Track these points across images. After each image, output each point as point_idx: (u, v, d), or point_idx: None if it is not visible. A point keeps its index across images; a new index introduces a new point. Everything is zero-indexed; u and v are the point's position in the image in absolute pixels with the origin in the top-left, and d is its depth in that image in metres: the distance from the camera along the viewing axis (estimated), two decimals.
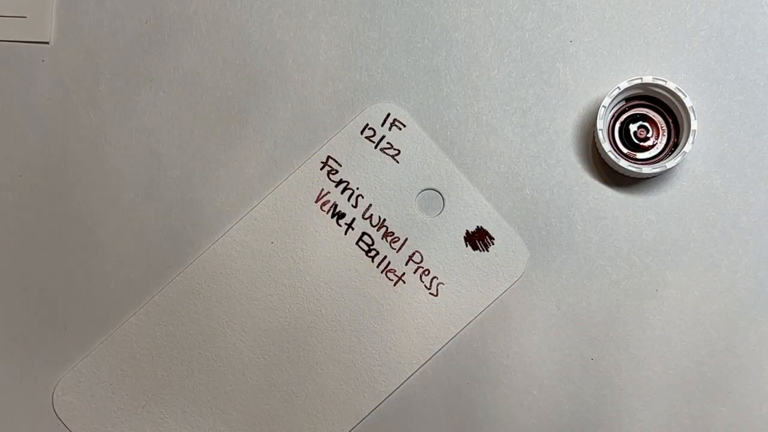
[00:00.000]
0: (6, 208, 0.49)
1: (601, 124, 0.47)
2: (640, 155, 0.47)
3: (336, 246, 0.49)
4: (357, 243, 0.48)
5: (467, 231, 0.48)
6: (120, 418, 0.48)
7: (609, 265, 0.48)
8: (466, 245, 0.48)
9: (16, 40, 0.50)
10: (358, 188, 0.49)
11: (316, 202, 0.49)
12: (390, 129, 0.49)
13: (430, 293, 0.48)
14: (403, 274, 0.48)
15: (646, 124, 0.47)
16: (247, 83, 0.49)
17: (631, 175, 0.47)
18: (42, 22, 0.50)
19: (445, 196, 0.48)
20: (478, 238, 0.48)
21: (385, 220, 0.49)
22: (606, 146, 0.47)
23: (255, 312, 0.48)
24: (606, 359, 0.48)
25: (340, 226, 0.49)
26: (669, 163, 0.46)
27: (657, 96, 0.47)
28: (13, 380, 0.49)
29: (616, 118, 0.48)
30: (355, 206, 0.49)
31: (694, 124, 0.46)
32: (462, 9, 0.49)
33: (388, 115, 0.49)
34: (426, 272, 0.48)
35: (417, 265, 0.48)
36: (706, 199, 0.48)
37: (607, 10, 0.49)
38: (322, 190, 0.49)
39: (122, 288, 0.49)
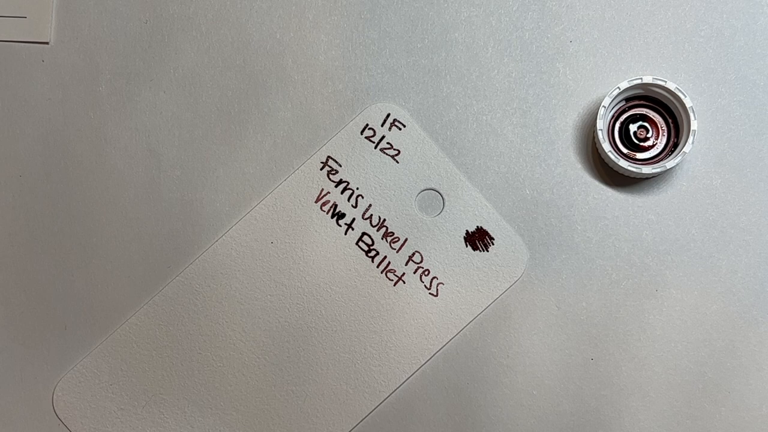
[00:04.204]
0: (6, 208, 0.49)
1: (601, 124, 0.47)
2: (640, 155, 0.47)
3: (336, 246, 0.49)
4: (357, 243, 0.48)
5: (467, 231, 0.48)
6: (120, 418, 0.48)
7: (609, 265, 0.48)
8: (466, 245, 0.48)
9: (16, 40, 0.50)
10: (358, 188, 0.49)
11: (316, 202, 0.49)
12: (390, 129, 0.49)
13: (430, 293, 0.48)
14: (403, 274, 0.48)
15: (646, 124, 0.47)
16: (247, 83, 0.49)
17: (631, 175, 0.47)
18: (42, 22, 0.50)
19: (445, 196, 0.48)
20: (478, 238, 0.48)
21: (385, 220, 0.49)
22: (606, 146, 0.47)
23: (255, 312, 0.48)
24: (606, 359, 0.48)
25: (340, 226, 0.49)
26: (669, 163, 0.46)
27: (657, 96, 0.47)
28: (13, 380, 0.49)
29: (616, 118, 0.48)
30: (355, 206, 0.49)
31: (694, 124, 0.46)
32: (462, 9, 0.49)
33: (388, 115, 0.49)
34: (426, 272, 0.48)
35: (417, 265, 0.48)
36: (706, 199, 0.48)
37: (607, 10, 0.49)
38: (322, 190, 0.49)
39: (122, 288, 0.49)
